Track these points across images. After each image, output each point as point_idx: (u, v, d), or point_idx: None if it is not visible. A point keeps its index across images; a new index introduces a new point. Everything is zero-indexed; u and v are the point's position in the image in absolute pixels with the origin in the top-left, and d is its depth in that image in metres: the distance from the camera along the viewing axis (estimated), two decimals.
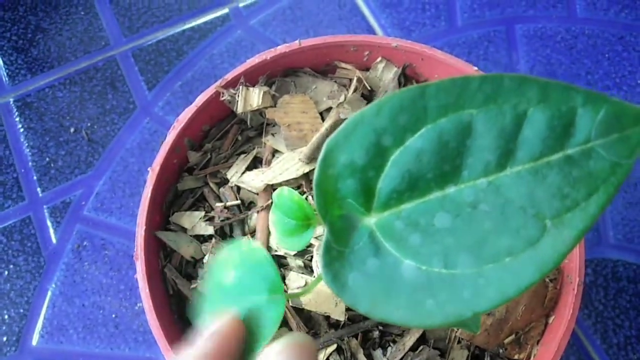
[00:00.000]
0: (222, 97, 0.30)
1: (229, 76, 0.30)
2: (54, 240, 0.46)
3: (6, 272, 0.45)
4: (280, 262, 0.29)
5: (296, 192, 0.23)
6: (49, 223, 0.47)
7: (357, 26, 0.53)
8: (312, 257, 0.28)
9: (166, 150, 0.29)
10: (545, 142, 0.17)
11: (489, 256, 0.16)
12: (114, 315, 0.44)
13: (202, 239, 0.30)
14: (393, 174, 0.17)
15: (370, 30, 0.53)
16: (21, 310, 0.44)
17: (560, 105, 0.17)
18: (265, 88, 0.31)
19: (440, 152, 0.17)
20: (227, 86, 0.31)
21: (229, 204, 0.30)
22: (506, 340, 0.27)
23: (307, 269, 0.28)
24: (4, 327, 0.44)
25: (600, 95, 0.17)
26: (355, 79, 0.32)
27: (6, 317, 0.44)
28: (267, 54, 0.31)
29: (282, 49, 0.31)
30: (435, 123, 0.17)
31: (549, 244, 0.16)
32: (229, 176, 0.31)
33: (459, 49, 0.52)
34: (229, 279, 0.21)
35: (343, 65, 0.33)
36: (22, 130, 0.50)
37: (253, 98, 0.30)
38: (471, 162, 0.17)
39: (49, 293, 0.45)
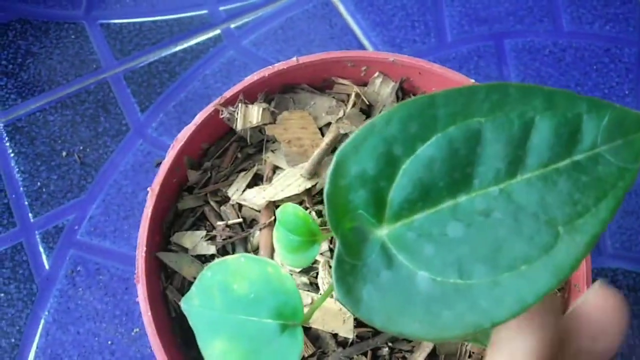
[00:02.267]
0: (222, 114, 0.30)
1: (228, 94, 0.30)
2: (46, 266, 0.45)
3: None
4: None
5: (301, 208, 0.23)
6: (41, 249, 0.46)
7: (348, 44, 0.53)
8: (317, 273, 0.28)
9: (166, 170, 0.28)
10: (553, 149, 0.17)
11: (505, 265, 0.16)
12: (109, 342, 0.43)
13: (204, 259, 0.29)
14: (404, 183, 0.17)
15: (361, 48, 0.53)
16: (13, 340, 0.43)
17: (566, 112, 0.17)
18: (265, 105, 0.31)
19: (451, 160, 0.17)
20: (226, 104, 0.30)
21: (230, 222, 0.29)
22: None
23: (313, 285, 0.28)
24: None
25: (604, 102, 0.17)
26: (353, 94, 0.32)
27: None
28: (266, 71, 0.31)
29: (280, 65, 0.31)
30: (445, 131, 0.17)
31: (564, 250, 0.16)
32: (229, 194, 0.30)
33: (449, 64, 0.52)
34: (240, 289, 0.20)
35: (340, 80, 0.33)
36: (12, 155, 0.49)
37: (252, 115, 0.30)
38: (482, 170, 0.17)
39: (42, 321, 0.43)
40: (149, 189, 0.29)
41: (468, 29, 0.54)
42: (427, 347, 0.27)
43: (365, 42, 0.53)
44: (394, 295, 0.16)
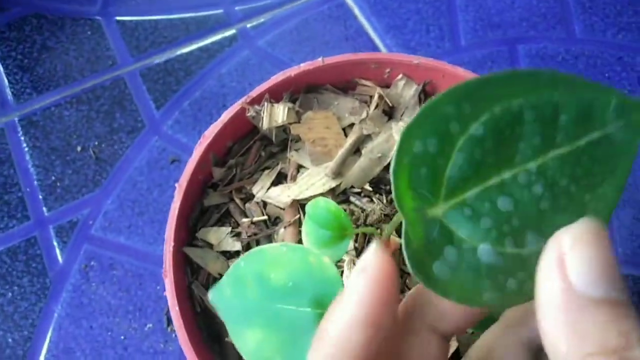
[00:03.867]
0: (248, 113, 0.31)
1: (254, 93, 0.31)
2: (60, 260, 0.45)
3: (10, 294, 0.44)
4: None
5: (333, 202, 0.23)
6: (55, 243, 0.46)
7: (363, 46, 0.54)
8: (342, 271, 0.28)
9: (193, 166, 0.29)
10: (577, 128, 0.18)
11: (550, 233, 0.17)
12: (122, 337, 0.43)
13: (229, 255, 0.30)
14: (459, 161, 0.18)
15: (376, 50, 0.53)
16: (25, 333, 0.43)
17: (584, 96, 0.18)
18: (290, 104, 0.31)
19: (498, 138, 0.18)
20: (252, 102, 0.31)
21: (255, 219, 0.30)
22: None
23: None
24: (7, 351, 0.43)
25: (610, 88, 0.19)
26: (376, 95, 0.33)
27: (10, 340, 0.43)
28: (291, 71, 0.31)
29: (305, 66, 0.32)
30: (492, 112, 0.18)
31: (591, 215, 0.17)
32: (254, 192, 0.31)
33: (463, 69, 0.53)
34: (278, 278, 0.20)
35: (364, 82, 0.33)
36: (27, 149, 0.49)
37: (278, 114, 0.30)
38: (522, 148, 0.18)
39: (55, 315, 0.43)
40: (176, 184, 0.29)
41: (482, 34, 0.54)
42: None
43: (380, 45, 0.54)
44: (462, 269, 0.17)
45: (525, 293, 0.16)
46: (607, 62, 0.54)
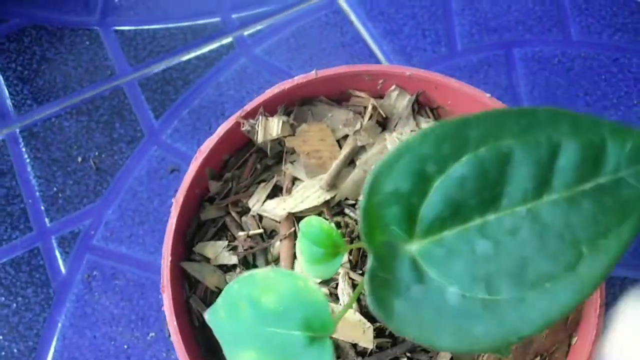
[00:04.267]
0: (243, 127, 0.31)
1: (248, 107, 0.31)
2: (63, 270, 0.46)
3: (14, 305, 0.45)
4: None
5: (325, 221, 0.24)
6: (57, 253, 0.46)
7: (359, 53, 0.54)
8: (337, 284, 0.29)
9: (189, 181, 0.29)
10: (579, 172, 0.17)
11: (530, 282, 0.17)
12: (125, 346, 0.43)
13: (226, 268, 0.30)
14: (436, 200, 0.17)
15: (373, 56, 0.54)
16: (30, 343, 0.44)
17: (591, 136, 0.17)
18: (284, 117, 0.31)
19: (481, 180, 0.17)
20: (246, 117, 0.31)
21: (251, 232, 0.30)
22: None
23: (333, 296, 0.29)
24: None
25: (627, 128, 0.18)
26: (370, 106, 0.33)
27: (15, 350, 0.44)
28: (285, 85, 0.32)
29: (299, 79, 0.32)
30: (476, 152, 0.17)
31: (587, 268, 0.17)
32: (250, 205, 0.31)
33: (460, 73, 0.53)
34: (269, 302, 0.21)
35: (357, 93, 0.34)
36: (28, 160, 0.50)
37: (272, 127, 0.31)
38: (510, 190, 0.17)
39: (59, 325, 0.44)
40: (173, 199, 0.29)
41: (478, 38, 0.55)
42: (444, 358, 0.28)
43: (377, 51, 0.54)
44: (425, 309, 0.17)
45: (491, 340, 0.16)
46: (603, 63, 0.54)
